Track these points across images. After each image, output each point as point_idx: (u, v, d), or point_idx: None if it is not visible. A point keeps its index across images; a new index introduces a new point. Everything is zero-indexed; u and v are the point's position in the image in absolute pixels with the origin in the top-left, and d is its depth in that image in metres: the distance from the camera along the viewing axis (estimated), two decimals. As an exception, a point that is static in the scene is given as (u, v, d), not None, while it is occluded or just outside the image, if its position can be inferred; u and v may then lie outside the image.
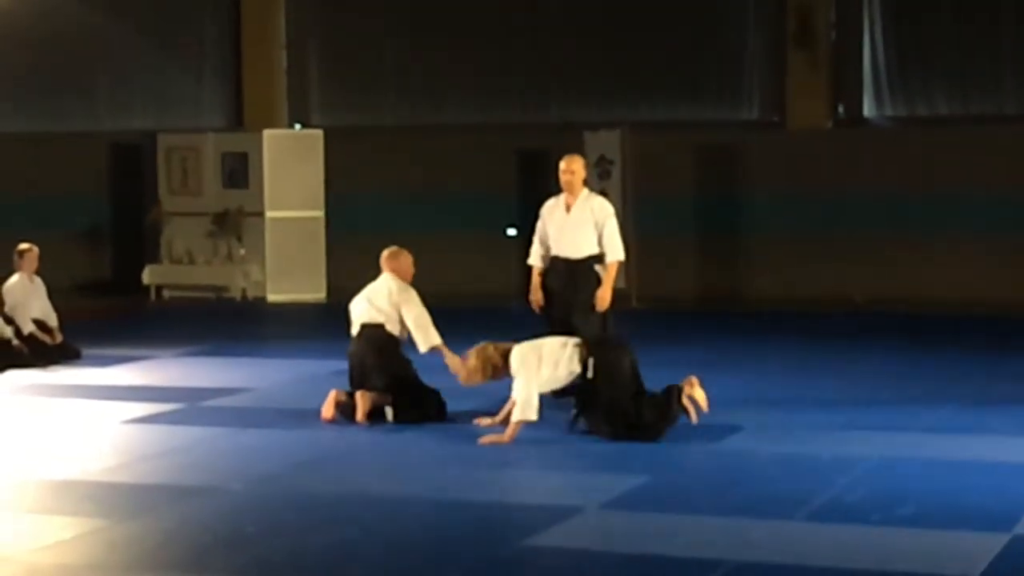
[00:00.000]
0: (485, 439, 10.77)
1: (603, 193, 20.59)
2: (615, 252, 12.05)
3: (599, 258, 12.08)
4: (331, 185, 22.09)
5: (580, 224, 12.06)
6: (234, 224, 22.00)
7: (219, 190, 22.26)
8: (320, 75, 23.60)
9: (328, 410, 11.75)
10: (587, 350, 10.83)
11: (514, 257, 12.19)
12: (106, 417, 12.10)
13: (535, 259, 12.35)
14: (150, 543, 8.35)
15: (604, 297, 11.93)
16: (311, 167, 22.12)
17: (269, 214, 21.98)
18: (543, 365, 10.80)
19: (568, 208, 12.15)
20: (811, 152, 20.97)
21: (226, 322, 19.63)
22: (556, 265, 12.15)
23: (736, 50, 21.49)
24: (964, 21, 20.48)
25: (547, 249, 12.27)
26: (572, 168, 12.19)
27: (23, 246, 15.68)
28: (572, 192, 12.17)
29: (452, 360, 11.62)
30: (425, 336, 11.85)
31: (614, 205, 20.21)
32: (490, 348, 11.01)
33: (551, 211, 12.25)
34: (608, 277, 12.02)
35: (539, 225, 12.34)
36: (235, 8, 23.78)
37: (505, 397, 11.06)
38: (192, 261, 22.37)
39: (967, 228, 20.13)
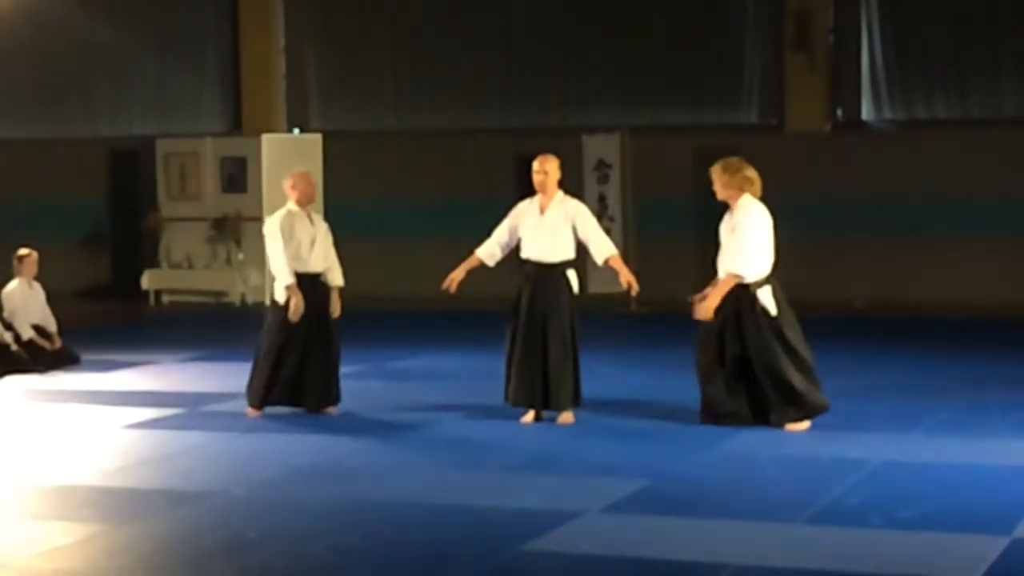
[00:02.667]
0: None
1: (602, 197, 20.82)
2: (609, 246, 11.83)
3: (572, 263, 11.82)
4: (330, 190, 22.01)
5: (554, 227, 11.71)
6: (233, 229, 21.99)
7: (218, 195, 22.24)
8: (319, 79, 23.60)
9: None
10: None
11: (514, 262, 12.12)
12: (106, 422, 12.10)
13: (482, 250, 12.00)
14: (150, 548, 8.34)
15: (631, 279, 11.67)
16: (310, 171, 22.02)
17: (268, 219, 21.93)
18: None
19: (542, 210, 11.80)
20: (810, 155, 20.97)
21: (225, 327, 19.61)
22: (527, 269, 11.82)
23: (735, 53, 21.49)
24: (962, 24, 20.49)
25: (502, 249, 11.96)
26: (546, 168, 11.79)
27: (22, 251, 15.66)
28: (545, 192, 11.79)
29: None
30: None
31: (613, 209, 20.55)
32: None
33: (524, 213, 11.87)
34: (622, 266, 11.83)
35: (505, 222, 11.95)
36: (233, 13, 23.77)
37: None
38: (191, 266, 22.35)
39: (967, 231, 20.13)
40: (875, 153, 20.74)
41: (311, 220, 12.47)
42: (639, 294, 11.67)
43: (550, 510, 8.91)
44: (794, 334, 11.38)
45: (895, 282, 20.30)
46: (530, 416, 11.76)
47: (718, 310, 11.34)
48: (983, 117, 20.52)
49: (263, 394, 12.23)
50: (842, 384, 13.57)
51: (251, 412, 12.29)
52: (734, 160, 11.50)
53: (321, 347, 12.21)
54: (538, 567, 7.85)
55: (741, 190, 11.36)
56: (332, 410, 12.30)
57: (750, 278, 11.26)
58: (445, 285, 12.03)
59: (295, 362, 12.15)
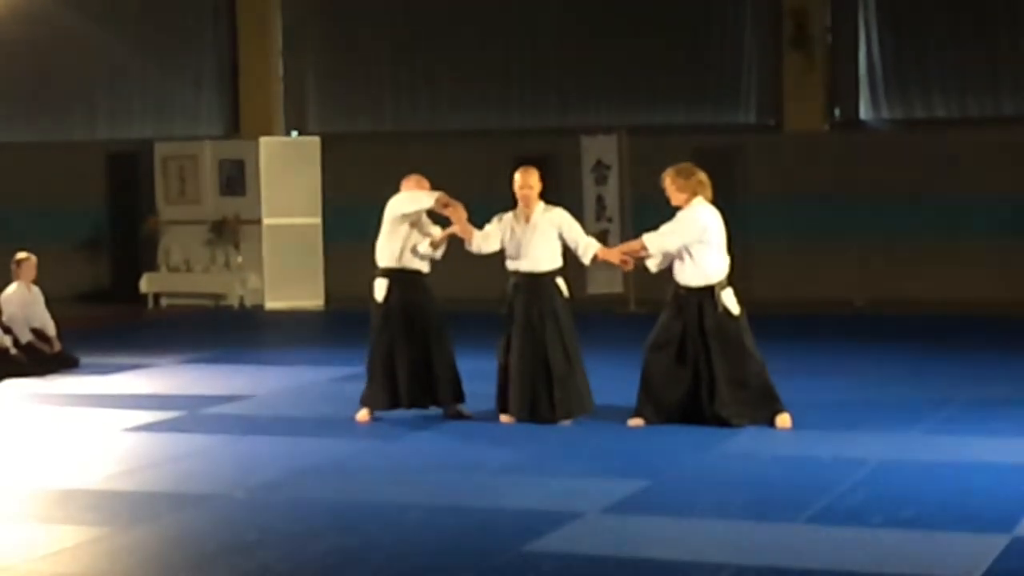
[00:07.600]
0: None
1: (600, 198, 20.82)
2: (592, 244, 11.88)
3: (561, 271, 11.90)
4: (328, 192, 22.08)
5: (541, 237, 11.81)
6: (231, 232, 22.00)
7: (216, 198, 22.26)
8: (317, 82, 23.61)
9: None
10: None
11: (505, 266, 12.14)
12: (106, 425, 12.11)
13: (478, 234, 12.04)
14: (151, 551, 8.35)
15: (622, 257, 11.73)
16: (308, 174, 22.12)
17: (266, 221, 21.98)
18: None
19: (527, 221, 11.88)
20: (808, 155, 20.99)
21: (224, 330, 19.63)
22: (515, 281, 11.89)
23: (732, 53, 21.50)
24: (960, 23, 20.51)
25: (492, 241, 12.03)
26: (530, 183, 11.90)
27: (20, 255, 15.67)
28: (530, 206, 11.92)
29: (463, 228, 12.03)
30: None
31: (611, 210, 20.55)
32: None
33: (509, 224, 11.97)
34: (609, 252, 11.95)
35: (495, 225, 12.01)
36: (231, 16, 23.79)
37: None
38: (190, 269, 22.37)
39: (965, 230, 20.15)
40: (873, 152, 20.76)
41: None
42: (632, 268, 11.79)
43: (550, 511, 8.92)
44: (750, 337, 11.52)
45: (894, 280, 20.32)
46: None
47: (680, 314, 11.44)
48: (981, 116, 20.54)
49: (385, 396, 12.04)
50: (841, 383, 13.60)
51: (363, 415, 12.09)
52: (686, 165, 11.65)
53: (428, 344, 12.00)
54: (539, 568, 7.84)
55: (695, 194, 11.48)
56: (463, 408, 12.08)
57: (653, 251, 11.42)
58: (441, 199, 12.16)
59: (410, 361, 11.94)
